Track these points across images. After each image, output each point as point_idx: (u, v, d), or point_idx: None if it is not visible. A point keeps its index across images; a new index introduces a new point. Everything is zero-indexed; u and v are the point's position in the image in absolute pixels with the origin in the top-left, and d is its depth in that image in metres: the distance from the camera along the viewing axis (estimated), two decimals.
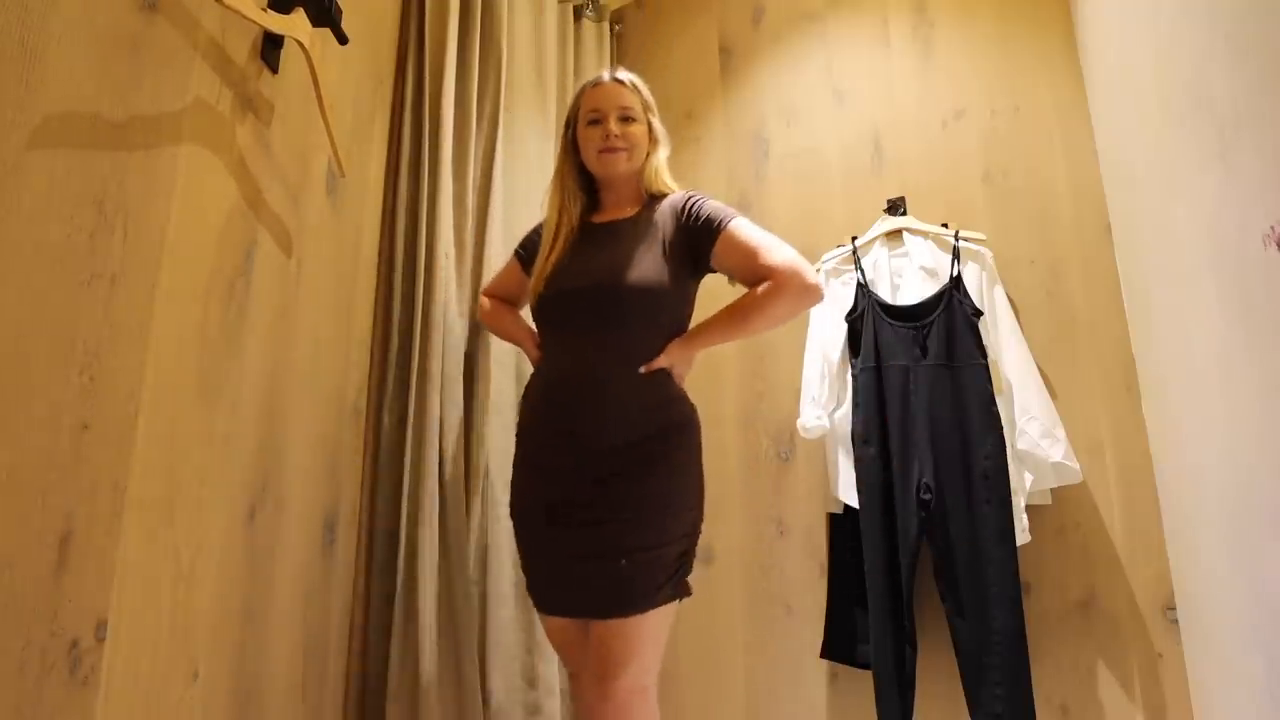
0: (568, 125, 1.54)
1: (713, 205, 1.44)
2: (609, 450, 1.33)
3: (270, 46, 1.39)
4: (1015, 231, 2.12)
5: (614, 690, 1.26)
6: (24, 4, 0.90)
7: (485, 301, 1.74)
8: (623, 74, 1.52)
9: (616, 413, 1.34)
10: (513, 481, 1.49)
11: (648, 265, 1.38)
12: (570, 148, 1.53)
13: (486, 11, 2.13)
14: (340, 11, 1.48)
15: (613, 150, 1.45)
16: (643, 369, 1.36)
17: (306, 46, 1.37)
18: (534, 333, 1.58)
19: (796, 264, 1.36)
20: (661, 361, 1.37)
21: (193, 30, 1.19)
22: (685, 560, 1.35)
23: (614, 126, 1.45)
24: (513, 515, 1.47)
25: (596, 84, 1.50)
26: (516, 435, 1.52)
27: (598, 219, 1.52)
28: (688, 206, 1.45)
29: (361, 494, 1.74)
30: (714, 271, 1.48)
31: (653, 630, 1.29)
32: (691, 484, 1.39)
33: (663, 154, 1.53)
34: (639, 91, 1.50)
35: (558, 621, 1.40)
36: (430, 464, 1.72)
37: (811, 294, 1.37)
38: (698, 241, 1.43)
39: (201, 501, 1.20)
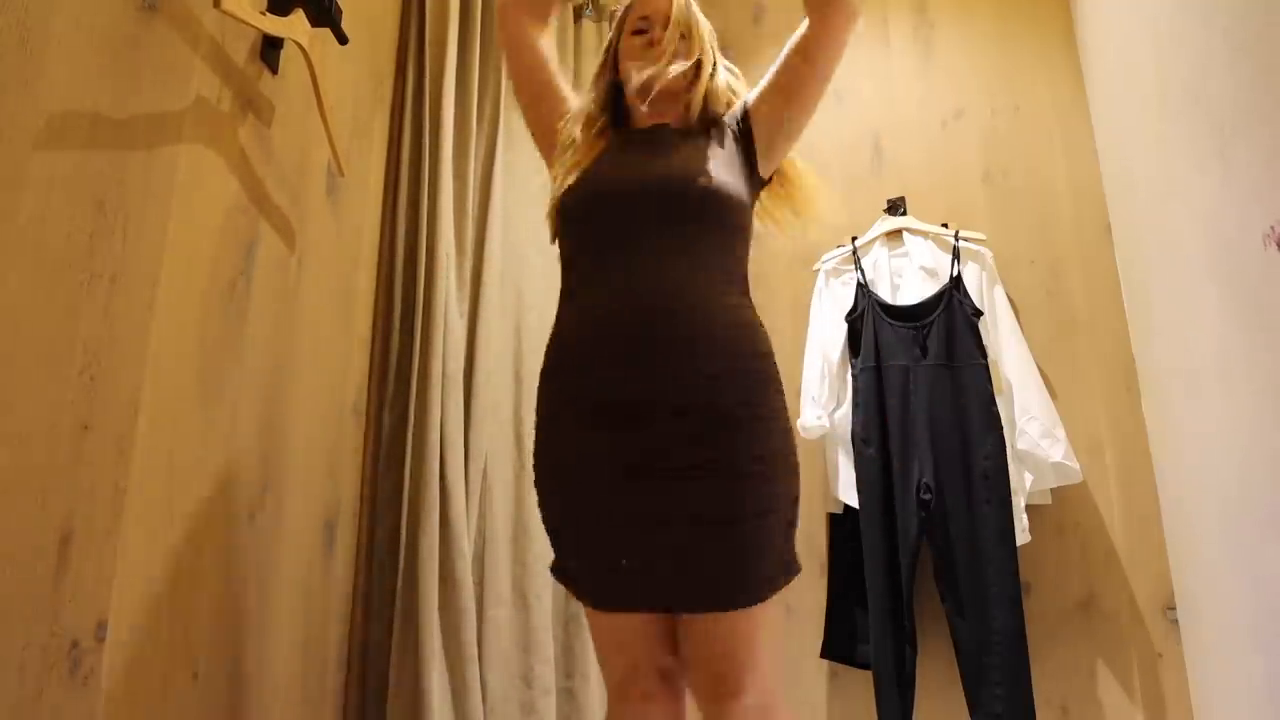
0: (608, 49, 1.34)
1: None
2: (693, 387, 1.03)
3: (270, 47, 1.39)
4: (1015, 231, 2.12)
5: (739, 712, 1.02)
6: (24, 4, 0.90)
7: None
8: None
9: (703, 343, 1.05)
10: (546, 442, 1.13)
11: (719, 166, 1.15)
12: (610, 63, 1.31)
13: (486, 11, 2.13)
14: (340, 11, 1.48)
15: (660, 56, 1.20)
16: None
17: (305, 48, 1.37)
18: None
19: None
20: None
21: (193, 31, 1.19)
22: (792, 534, 1.12)
23: (659, 33, 1.23)
24: (550, 480, 1.12)
25: None
26: (547, 385, 1.15)
27: (636, 125, 1.26)
28: (744, 101, 1.27)
29: (361, 494, 1.74)
30: (764, 180, 1.27)
31: (771, 622, 1.07)
32: (791, 433, 1.13)
33: (721, 79, 1.28)
34: (690, 7, 1.27)
35: (626, 620, 1.07)
36: (430, 464, 1.72)
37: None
38: (743, 122, 1.24)
39: (201, 501, 1.20)
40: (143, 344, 1.07)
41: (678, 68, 1.21)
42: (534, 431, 1.17)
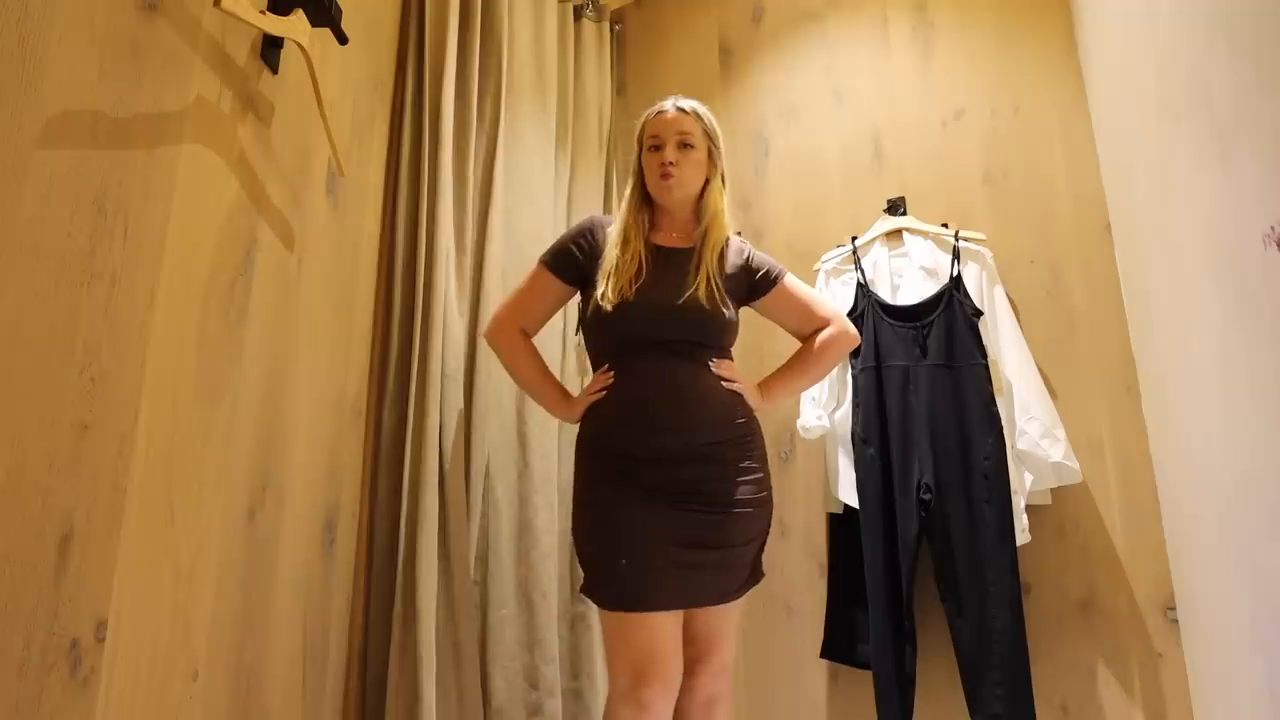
0: (636, 154, 1.61)
1: (766, 257, 1.66)
2: (713, 444, 1.44)
3: (270, 46, 1.39)
4: (1015, 231, 2.12)
5: (727, 665, 1.48)
6: (24, 4, 0.90)
7: (513, 336, 1.60)
8: (685, 102, 1.57)
9: (716, 413, 1.46)
10: (598, 485, 1.44)
11: (717, 297, 1.50)
12: (637, 171, 1.60)
13: (486, 12, 2.14)
14: (340, 11, 1.48)
15: (668, 176, 1.52)
16: (735, 386, 1.51)
17: (305, 47, 1.37)
18: (563, 388, 1.62)
19: (842, 314, 1.66)
20: (739, 387, 1.52)
21: (193, 30, 1.19)
22: (762, 547, 1.53)
23: (670, 154, 1.52)
24: (604, 510, 1.41)
25: (660, 112, 1.57)
26: (595, 445, 1.48)
27: (659, 241, 1.57)
28: (746, 255, 1.62)
29: (361, 494, 1.74)
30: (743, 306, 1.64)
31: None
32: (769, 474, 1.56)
33: (722, 186, 1.59)
34: (701, 119, 1.56)
35: (666, 619, 1.34)
36: (430, 464, 1.72)
37: (855, 339, 1.65)
38: (752, 287, 1.61)
39: (201, 501, 1.20)
40: (143, 344, 1.07)
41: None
42: (580, 478, 1.48)
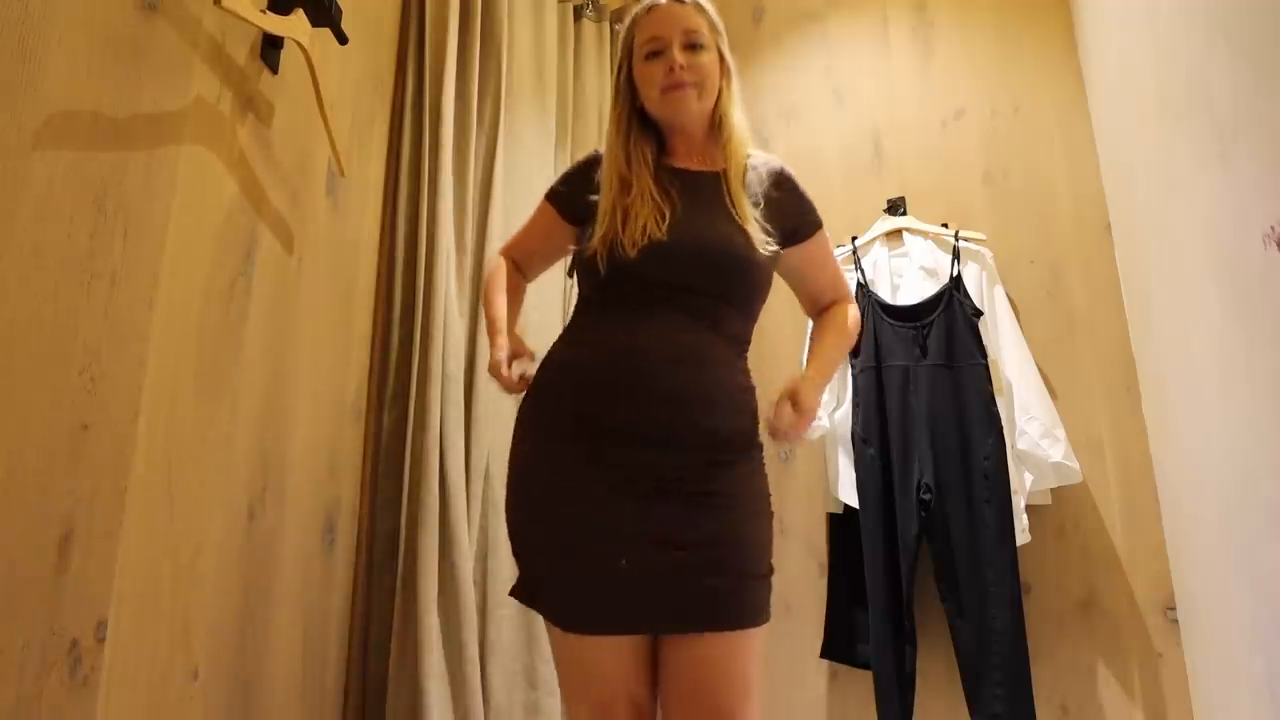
0: (620, 66, 1.25)
1: (808, 195, 1.28)
2: (713, 431, 1.08)
3: (270, 47, 1.39)
4: (1015, 231, 2.12)
5: None
6: (24, 4, 0.90)
7: (502, 264, 1.33)
8: None
9: (723, 393, 1.11)
10: (539, 462, 1.12)
11: (762, 237, 1.16)
12: (626, 89, 1.24)
13: (486, 12, 2.13)
14: (340, 11, 1.48)
15: (680, 86, 1.17)
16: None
17: (306, 47, 1.37)
18: (507, 319, 1.26)
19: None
20: (790, 398, 1.12)
21: (193, 30, 1.19)
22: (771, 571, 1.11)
23: (679, 56, 1.16)
24: (544, 497, 1.09)
25: (652, 7, 1.21)
26: (559, 405, 1.12)
27: (675, 164, 1.23)
28: (790, 184, 1.26)
29: (361, 494, 1.74)
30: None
31: (762, 656, 1.06)
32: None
33: (736, 89, 1.26)
34: (705, 12, 1.22)
35: (611, 646, 1.04)
36: (430, 464, 1.72)
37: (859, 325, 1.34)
38: (794, 229, 1.23)
39: (201, 501, 1.20)
40: (143, 344, 1.07)
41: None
42: (515, 451, 1.15)
